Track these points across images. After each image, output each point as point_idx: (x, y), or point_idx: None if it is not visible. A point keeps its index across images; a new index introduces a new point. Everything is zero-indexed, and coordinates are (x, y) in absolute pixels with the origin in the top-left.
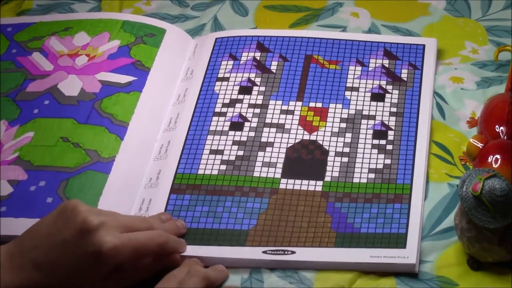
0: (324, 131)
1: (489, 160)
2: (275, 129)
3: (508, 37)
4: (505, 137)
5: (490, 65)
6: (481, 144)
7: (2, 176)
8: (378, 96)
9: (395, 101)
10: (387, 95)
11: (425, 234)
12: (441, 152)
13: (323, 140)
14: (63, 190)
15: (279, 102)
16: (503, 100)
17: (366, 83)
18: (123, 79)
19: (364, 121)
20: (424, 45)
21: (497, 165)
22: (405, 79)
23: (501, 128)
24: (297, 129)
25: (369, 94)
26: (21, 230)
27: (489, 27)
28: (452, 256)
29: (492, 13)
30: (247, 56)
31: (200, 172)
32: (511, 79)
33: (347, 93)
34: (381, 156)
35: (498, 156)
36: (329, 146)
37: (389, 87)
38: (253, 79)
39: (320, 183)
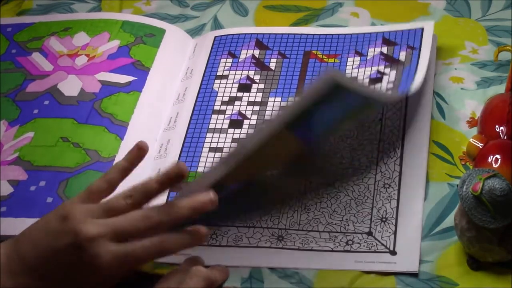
0: None
1: (489, 160)
2: None
3: (508, 37)
4: (505, 137)
5: (490, 65)
6: (481, 144)
7: (2, 176)
8: (376, 80)
9: (392, 79)
10: (385, 77)
11: (425, 234)
12: (441, 152)
13: None
14: (63, 190)
15: (278, 99)
16: (503, 100)
17: (364, 71)
18: (123, 79)
19: None
20: (422, 28)
21: (497, 165)
22: (403, 60)
23: (501, 128)
24: None
25: (367, 80)
26: (21, 230)
27: (489, 27)
28: (452, 256)
29: (492, 13)
30: (246, 54)
31: (200, 169)
32: (511, 79)
33: None
34: None
35: (498, 156)
36: None
37: (387, 70)
38: (252, 76)
39: None
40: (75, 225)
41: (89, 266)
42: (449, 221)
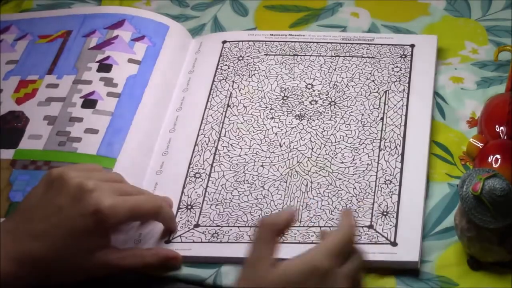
0: None
1: (489, 160)
2: None
3: (508, 37)
4: (505, 137)
5: (490, 65)
6: (481, 144)
7: None
8: None
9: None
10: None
11: (425, 234)
12: (441, 152)
13: None
14: None
15: None
16: (503, 100)
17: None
18: None
19: None
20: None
21: (497, 165)
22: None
23: (501, 128)
24: None
25: None
26: None
27: (489, 27)
28: (452, 256)
29: (492, 13)
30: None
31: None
32: (511, 79)
33: None
34: None
35: (498, 156)
36: None
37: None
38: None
39: None
40: (75, 180)
41: (92, 214)
42: (449, 221)
